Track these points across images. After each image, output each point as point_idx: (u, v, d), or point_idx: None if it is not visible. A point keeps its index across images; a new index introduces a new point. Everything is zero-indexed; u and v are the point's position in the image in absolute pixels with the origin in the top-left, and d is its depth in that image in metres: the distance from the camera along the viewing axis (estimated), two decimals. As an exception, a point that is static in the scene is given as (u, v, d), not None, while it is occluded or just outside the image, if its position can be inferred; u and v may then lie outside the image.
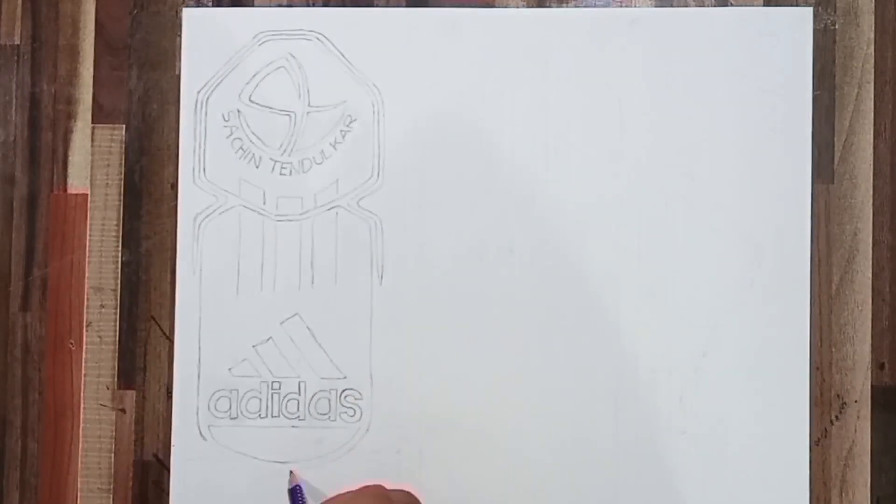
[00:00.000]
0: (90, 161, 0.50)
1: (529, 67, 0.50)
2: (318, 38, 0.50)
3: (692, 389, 0.48)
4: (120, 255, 0.50)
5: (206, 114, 0.50)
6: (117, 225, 0.50)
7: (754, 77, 0.49)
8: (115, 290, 0.50)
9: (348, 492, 0.45)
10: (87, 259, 0.50)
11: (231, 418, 0.49)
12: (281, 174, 0.50)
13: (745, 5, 0.50)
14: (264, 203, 0.50)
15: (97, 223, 0.50)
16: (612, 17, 0.50)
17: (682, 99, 0.49)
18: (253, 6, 0.51)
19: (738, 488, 0.48)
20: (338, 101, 0.50)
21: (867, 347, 0.48)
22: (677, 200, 0.49)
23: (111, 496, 0.49)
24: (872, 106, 0.49)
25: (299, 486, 0.48)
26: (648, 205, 0.49)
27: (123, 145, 0.50)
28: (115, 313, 0.50)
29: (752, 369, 0.48)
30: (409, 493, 0.47)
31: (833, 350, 0.48)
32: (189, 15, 0.51)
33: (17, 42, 0.51)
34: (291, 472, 0.49)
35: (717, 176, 0.49)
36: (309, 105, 0.50)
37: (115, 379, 0.50)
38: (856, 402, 0.48)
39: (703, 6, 0.50)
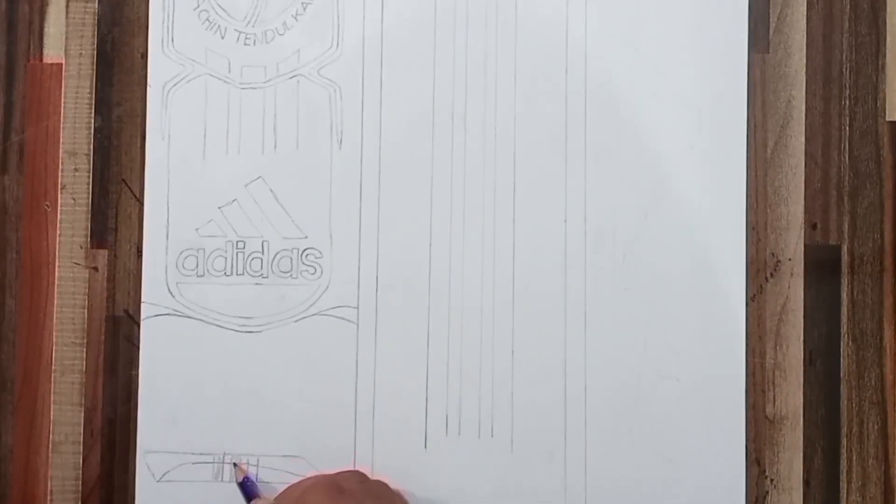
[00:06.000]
0: (65, 32, 0.53)
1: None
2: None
3: (635, 248, 0.51)
4: (92, 121, 0.52)
5: (174, -13, 0.53)
6: (90, 93, 0.52)
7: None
8: (87, 155, 0.52)
9: (299, 483, 0.48)
10: (61, 125, 0.52)
11: (198, 276, 0.52)
12: (245, 44, 0.52)
13: None
14: (229, 72, 0.52)
15: (71, 91, 0.53)
16: None
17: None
18: None
19: (677, 340, 0.51)
20: (300, -25, 0.52)
21: (800, 208, 0.51)
22: (621, 68, 0.52)
23: (84, 349, 0.52)
24: (806, -22, 0.52)
25: (248, 478, 0.51)
26: (594, 74, 0.52)
27: (96, 17, 0.53)
28: (88, 177, 0.52)
29: (691, 229, 0.51)
30: (383, 483, 0.49)
31: (768, 211, 0.51)
32: None
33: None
34: (235, 464, 0.51)
35: (659, 46, 0.52)
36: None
37: (88, 239, 0.52)
38: (790, 260, 0.51)
39: None
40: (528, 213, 0.51)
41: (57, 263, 0.52)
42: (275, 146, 0.52)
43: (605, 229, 0.51)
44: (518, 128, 0.52)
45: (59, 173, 0.52)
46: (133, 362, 0.52)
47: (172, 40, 0.52)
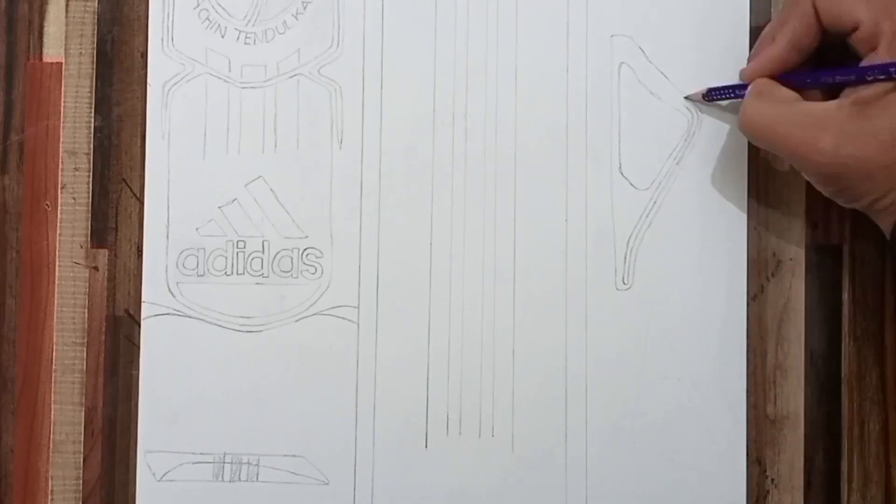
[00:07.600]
0: (65, 31, 0.53)
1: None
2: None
3: (635, 248, 0.51)
4: (93, 120, 0.52)
5: (174, -14, 0.53)
6: (90, 92, 0.52)
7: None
8: (88, 154, 0.52)
9: None
10: (61, 124, 0.52)
11: (198, 276, 0.52)
12: (245, 43, 0.52)
13: None
14: (229, 71, 0.52)
15: (71, 90, 0.52)
16: None
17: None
18: None
19: (678, 340, 0.51)
20: (300, -26, 0.52)
21: (801, 208, 0.51)
22: (622, 68, 0.52)
23: (84, 349, 0.52)
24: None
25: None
26: (595, 74, 0.52)
27: (96, 16, 0.53)
28: (88, 176, 0.52)
29: (692, 229, 0.51)
30: None
31: (769, 211, 0.51)
32: None
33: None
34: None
35: (660, 45, 0.51)
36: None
37: (89, 238, 0.52)
38: (791, 260, 0.51)
39: None
40: (529, 212, 0.51)
41: (57, 263, 0.52)
42: (275, 146, 0.52)
43: (605, 229, 0.51)
44: (519, 127, 0.52)
45: (59, 173, 0.52)
46: (133, 362, 0.52)
47: (172, 39, 0.52)
